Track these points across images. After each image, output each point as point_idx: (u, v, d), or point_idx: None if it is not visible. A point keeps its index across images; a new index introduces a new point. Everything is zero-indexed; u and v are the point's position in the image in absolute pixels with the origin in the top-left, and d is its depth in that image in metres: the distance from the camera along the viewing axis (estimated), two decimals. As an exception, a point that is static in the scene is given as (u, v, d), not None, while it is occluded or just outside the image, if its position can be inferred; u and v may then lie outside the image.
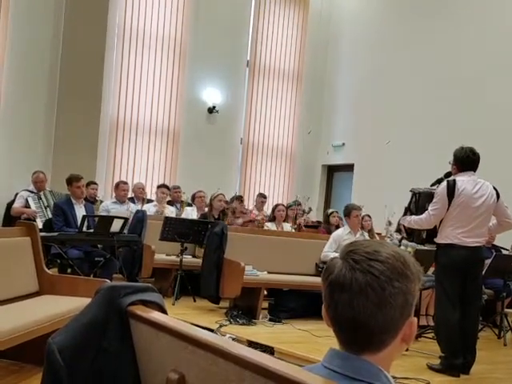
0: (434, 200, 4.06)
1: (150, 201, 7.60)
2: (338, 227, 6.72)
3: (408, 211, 4.31)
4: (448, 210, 4.02)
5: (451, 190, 3.99)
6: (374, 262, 0.97)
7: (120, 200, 6.71)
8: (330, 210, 7.39)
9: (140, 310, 1.27)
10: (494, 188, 4.11)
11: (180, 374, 1.10)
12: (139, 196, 7.43)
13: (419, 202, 4.21)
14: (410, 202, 4.33)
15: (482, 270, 4.43)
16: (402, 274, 0.98)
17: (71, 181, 5.58)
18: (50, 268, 4.36)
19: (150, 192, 8.31)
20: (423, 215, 4.10)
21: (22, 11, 7.86)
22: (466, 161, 4.06)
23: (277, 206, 6.90)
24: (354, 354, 0.99)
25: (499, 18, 7.79)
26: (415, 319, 1.02)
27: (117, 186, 6.92)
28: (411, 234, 4.38)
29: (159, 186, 7.27)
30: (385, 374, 0.99)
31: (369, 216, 7.02)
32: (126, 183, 7.01)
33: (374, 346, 0.99)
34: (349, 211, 5.81)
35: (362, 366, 0.97)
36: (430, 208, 4.07)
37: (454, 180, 4.05)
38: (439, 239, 4.11)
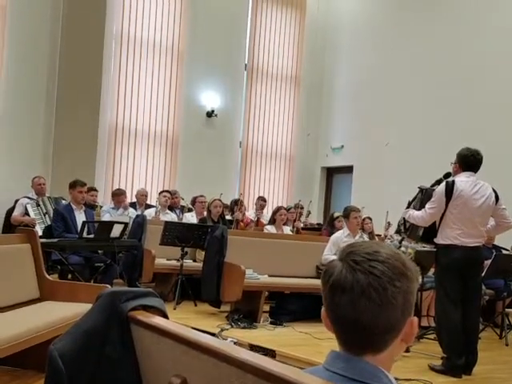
0: (431, 199, 4.09)
1: (150, 206, 7.58)
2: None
3: (411, 205, 4.35)
4: (447, 210, 4.03)
5: (449, 190, 4.00)
6: (375, 263, 0.97)
7: (119, 207, 6.84)
8: (337, 214, 6.99)
9: (141, 315, 1.27)
10: (494, 190, 4.11)
11: (182, 379, 1.10)
12: (142, 203, 7.44)
13: (424, 199, 4.24)
14: (415, 198, 4.36)
15: (482, 270, 4.44)
16: (402, 273, 0.98)
17: (76, 184, 5.51)
18: (50, 274, 4.34)
19: (150, 198, 8.31)
20: (420, 212, 4.14)
21: (19, 21, 7.87)
22: (470, 160, 4.07)
23: (278, 209, 6.81)
24: (355, 356, 0.99)
25: (499, 17, 7.80)
26: (415, 318, 1.02)
27: (113, 195, 7.18)
28: (409, 228, 4.40)
29: (161, 192, 7.27)
30: (386, 375, 0.99)
31: (369, 218, 7.01)
32: (121, 194, 7.12)
33: (375, 346, 0.99)
34: (348, 213, 5.81)
35: (364, 368, 0.98)
36: (426, 206, 4.11)
37: (453, 181, 4.06)
38: (439, 240, 4.12)
